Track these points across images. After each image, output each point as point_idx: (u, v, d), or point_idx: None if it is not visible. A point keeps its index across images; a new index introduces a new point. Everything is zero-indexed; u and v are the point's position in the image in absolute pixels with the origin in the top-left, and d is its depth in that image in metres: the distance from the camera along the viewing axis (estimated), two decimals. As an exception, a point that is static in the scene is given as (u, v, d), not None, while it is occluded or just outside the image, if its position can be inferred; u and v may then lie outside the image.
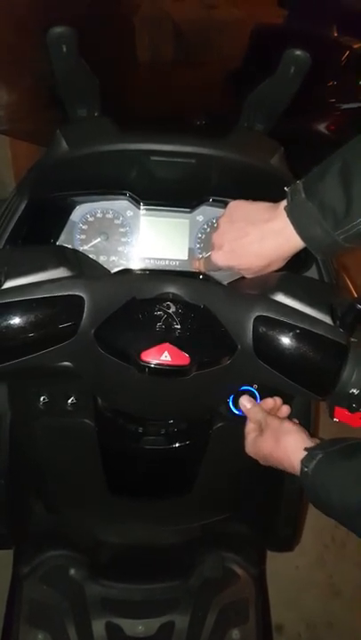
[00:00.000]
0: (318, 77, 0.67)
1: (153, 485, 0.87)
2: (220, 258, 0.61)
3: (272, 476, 0.88)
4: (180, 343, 0.52)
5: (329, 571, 1.43)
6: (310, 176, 0.54)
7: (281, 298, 0.53)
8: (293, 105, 0.69)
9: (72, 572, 0.99)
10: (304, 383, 0.54)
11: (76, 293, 0.52)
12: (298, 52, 0.60)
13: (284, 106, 0.67)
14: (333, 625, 1.34)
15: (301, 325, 0.51)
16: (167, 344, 0.52)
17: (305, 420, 0.83)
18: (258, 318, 0.52)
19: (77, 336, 0.52)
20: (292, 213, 0.54)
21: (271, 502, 0.91)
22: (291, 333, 0.52)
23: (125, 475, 0.84)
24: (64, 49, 0.59)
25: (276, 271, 0.60)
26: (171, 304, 0.55)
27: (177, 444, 0.77)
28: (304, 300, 0.53)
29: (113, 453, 0.79)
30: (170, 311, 0.54)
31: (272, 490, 0.89)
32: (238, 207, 0.60)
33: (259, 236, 0.56)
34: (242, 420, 0.70)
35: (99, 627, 0.95)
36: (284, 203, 0.55)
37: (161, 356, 0.52)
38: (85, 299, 0.52)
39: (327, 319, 0.52)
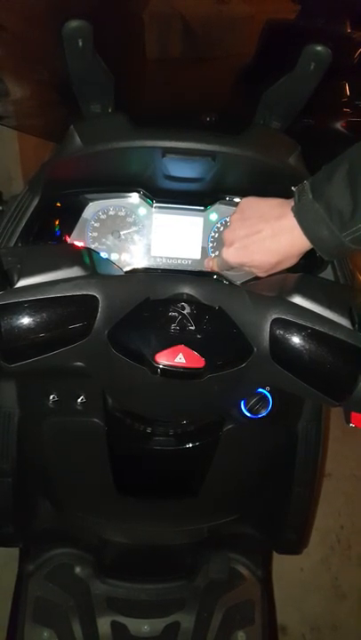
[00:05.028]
0: (333, 74, 0.65)
1: (161, 486, 0.86)
2: (232, 255, 0.60)
3: (281, 478, 0.88)
4: (194, 345, 0.52)
5: (334, 573, 1.43)
6: (317, 177, 0.53)
7: (299, 300, 0.52)
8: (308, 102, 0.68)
9: (77, 570, 0.99)
10: (321, 388, 0.53)
11: (91, 293, 0.51)
12: (319, 48, 0.59)
13: (302, 103, 0.66)
14: (338, 628, 1.33)
15: (320, 329, 0.50)
16: (182, 346, 0.51)
17: (316, 424, 0.82)
18: (275, 321, 0.51)
19: (91, 336, 0.52)
20: (298, 214, 0.53)
21: (279, 505, 0.90)
22: (309, 337, 0.50)
23: (133, 475, 0.84)
24: (80, 43, 0.58)
25: (292, 272, 0.59)
26: (185, 305, 0.54)
27: (186, 445, 0.76)
28: (323, 302, 0.51)
29: (121, 453, 0.78)
30: (184, 312, 0.54)
31: (280, 493, 0.89)
32: (250, 204, 0.59)
33: (271, 232, 0.56)
34: (253, 422, 0.69)
35: (104, 625, 0.95)
36: (292, 202, 0.54)
37: (175, 358, 0.51)
38: (99, 299, 0.51)
39: (346, 323, 0.51)
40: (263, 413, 0.68)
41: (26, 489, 0.88)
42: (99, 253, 0.67)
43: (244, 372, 0.53)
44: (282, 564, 1.27)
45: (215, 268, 0.69)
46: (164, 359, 0.51)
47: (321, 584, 1.41)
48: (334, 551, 1.46)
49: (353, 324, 0.51)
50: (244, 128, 0.67)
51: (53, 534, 0.99)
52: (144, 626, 0.96)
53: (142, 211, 0.74)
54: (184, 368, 0.51)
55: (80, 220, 0.73)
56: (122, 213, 0.74)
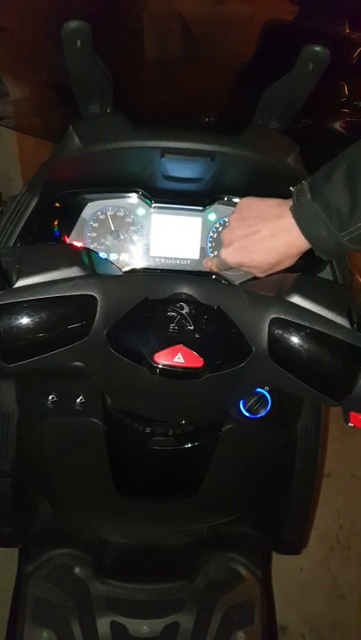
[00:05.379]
0: (331, 74, 0.65)
1: (160, 486, 0.86)
2: (231, 255, 0.60)
3: (281, 478, 0.88)
4: (193, 345, 0.52)
5: (334, 573, 1.43)
6: (316, 177, 0.53)
7: (297, 300, 0.52)
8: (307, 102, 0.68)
9: (77, 570, 0.99)
10: (320, 387, 0.53)
11: (89, 293, 0.51)
12: (317, 48, 0.59)
13: (301, 103, 0.66)
14: (338, 628, 1.33)
15: (318, 328, 0.50)
16: (180, 346, 0.51)
17: (315, 423, 0.82)
18: (274, 320, 0.51)
19: (89, 336, 0.52)
20: (297, 214, 0.54)
21: (279, 505, 0.90)
22: (307, 336, 0.50)
23: (133, 475, 0.84)
24: (78, 44, 0.58)
25: (291, 272, 0.59)
26: (184, 305, 0.54)
27: (185, 445, 0.76)
28: (321, 302, 0.52)
29: (120, 453, 0.78)
30: (183, 312, 0.54)
31: (280, 493, 0.89)
32: (249, 204, 0.60)
33: (270, 232, 0.56)
34: (252, 422, 0.69)
35: (103, 626, 0.95)
36: (290, 202, 0.54)
37: (174, 357, 0.51)
38: (98, 299, 0.51)
39: (345, 322, 0.51)
40: (262, 413, 0.68)
41: (25, 489, 0.88)
42: (97, 253, 0.67)
43: (243, 371, 0.54)
44: (281, 564, 1.27)
45: (214, 268, 0.69)
46: (162, 359, 0.51)
47: (321, 584, 1.41)
48: (334, 551, 1.46)
49: (351, 324, 0.51)
50: (243, 128, 0.67)
51: (53, 534, 0.99)
52: (143, 626, 0.96)
53: (141, 211, 0.74)
54: (183, 368, 0.51)
55: (79, 220, 0.73)
56: (121, 214, 0.74)
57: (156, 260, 0.75)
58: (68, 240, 0.74)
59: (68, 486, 0.87)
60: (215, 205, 0.74)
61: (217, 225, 0.75)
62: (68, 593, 0.97)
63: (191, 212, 0.74)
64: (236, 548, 1.02)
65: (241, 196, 0.63)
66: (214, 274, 0.72)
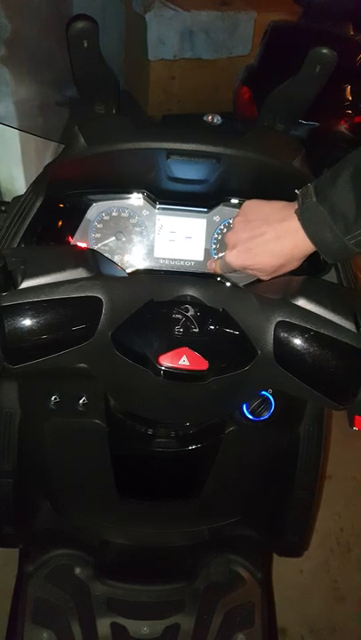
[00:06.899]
0: (338, 76, 0.65)
1: (162, 487, 0.86)
2: (235, 257, 0.60)
3: (282, 481, 0.88)
4: (198, 347, 0.51)
5: (334, 575, 1.43)
6: (321, 179, 0.53)
7: (303, 303, 0.52)
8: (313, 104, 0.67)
9: (77, 571, 0.99)
10: (325, 391, 0.53)
11: (95, 295, 0.51)
12: (324, 51, 0.59)
13: (306, 105, 0.66)
14: (337, 630, 1.33)
15: (324, 332, 0.50)
16: (185, 348, 0.51)
17: (318, 426, 0.82)
18: (280, 323, 0.51)
19: (94, 338, 0.52)
20: (302, 216, 0.54)
21: (280, 507, 0.90)
22: (313, 340, 0.50)
23: (134, 476, 0.84)
24: (85, 44, 0.58)
25: (296, 274, 0.59)
26: (189, 307, 0.54)
27: (188, 448, 0.76)
28: (327, 305, 0.51)
29: (123, 455, 0.78)
30: (188, 314, 0.53)
31: (282, 495, 0.88)
32: (253, 206, 0.60)
33: (274, 235, 0.56)
34: (255, 424, 0.69)
35: (103, 626, 0.95)
36: (296, 205, 0.54)
37: (179, 360, 0.51)
38: (104, 300, 0.51)
39: (351, 326, 0.51)
40: (265, 416, 0.68)
41: (26, 490, 0.88)
42: (102, 255, 0.67)
43: (248, 374, 0.53)
44: (281, 566, 1.27)
45: (218, 271, 0.69)
46: (167, 361, 0.51)
47: (320, 586, 1.40)
48: (334, 553, 1.46)
49: (357, 327, 0.51)
50: (249, 130, 0.67)
51: (53, 535, 0.99)
52: (144, 627, 0.95)
53: (145, 212, 0.74)
54: (188, 370, 0.51)
55: (83, 220, 0.73)
56: (125, 214, 0.73)
57: (160, 261, 0.75)
58: (72, 241, 0.73)
59: (69, 487, 0.87)
60: (220, 207, 0.74)
61: (221, 227, 0.75)
62: (68, 593, 0.97)
63: (196, 214, 0.74)
64: (236, 550, 1.01)
65: (246, 197, 0.63)
66: (218, 276, 0.72)
